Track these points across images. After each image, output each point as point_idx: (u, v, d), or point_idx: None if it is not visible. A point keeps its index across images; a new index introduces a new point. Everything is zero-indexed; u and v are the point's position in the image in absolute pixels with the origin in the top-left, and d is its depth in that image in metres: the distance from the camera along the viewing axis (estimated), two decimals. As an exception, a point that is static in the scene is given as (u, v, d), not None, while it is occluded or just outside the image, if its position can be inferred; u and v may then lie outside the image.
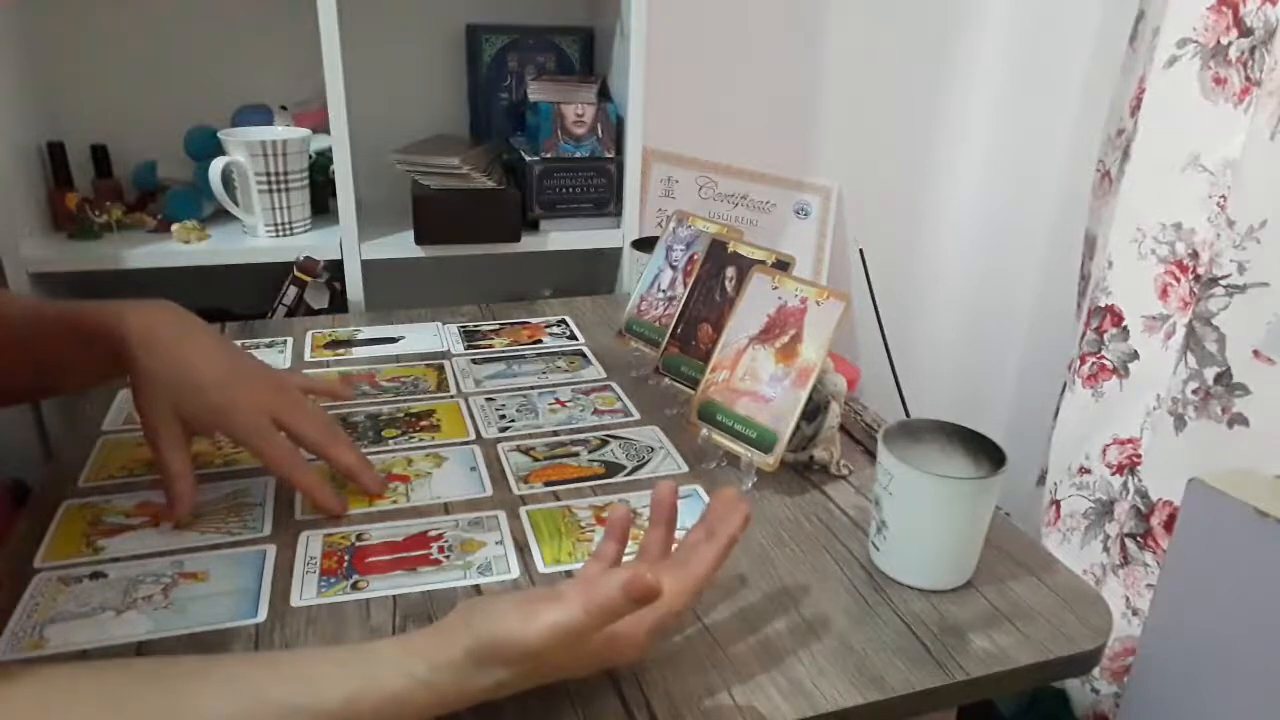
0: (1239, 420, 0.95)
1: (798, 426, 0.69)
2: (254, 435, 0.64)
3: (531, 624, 0.44)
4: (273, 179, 1.09)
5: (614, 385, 0.89)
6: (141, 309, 0.64)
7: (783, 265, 0.77)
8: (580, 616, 0.44)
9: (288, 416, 0.65)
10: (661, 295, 0.91)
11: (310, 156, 1.15)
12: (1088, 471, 1.15)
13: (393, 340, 0.99)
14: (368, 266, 1.12)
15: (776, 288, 0.73)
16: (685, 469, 0.74)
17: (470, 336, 1.01)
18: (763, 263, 0.78)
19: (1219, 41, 0.96)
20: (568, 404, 0.85)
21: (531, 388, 0.88)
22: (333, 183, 1.09)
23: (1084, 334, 1.14)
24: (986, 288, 1.61)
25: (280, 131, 1.13)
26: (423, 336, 1.00)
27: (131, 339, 0.62)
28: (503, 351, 0.97)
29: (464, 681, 0.44)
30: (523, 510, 0.68)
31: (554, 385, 0.89)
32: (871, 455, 0.77)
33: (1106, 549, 1.12)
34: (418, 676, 0.44)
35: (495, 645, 0.44)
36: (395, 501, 0.68)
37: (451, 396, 0.86)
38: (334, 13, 1.00)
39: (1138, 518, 1.05)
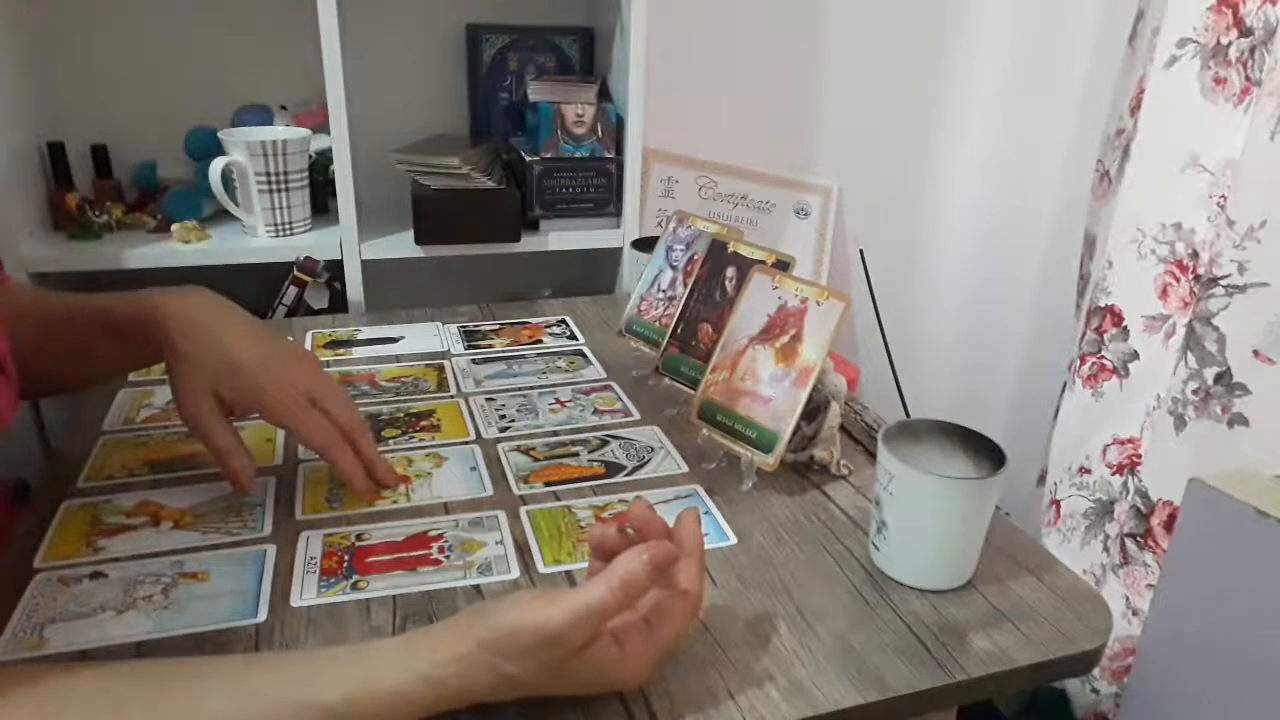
0: (1239, 420, 0.95)
1: (798, 426, 0.69)
2: (292, 415, 0.65)
3: (554, 607, 0.44)
4: (273, 179, 1.09)
5: (614, 385, 0.89)
6: (176, 296, 0.65)
7: (783, 265, 0.77)
8: (604, 594, 0.45)
9: (322, 397, 0.66)
10: (661, 295, 0.91)
11: (310, 156, 1.15)
12: (1088, 471, 1.15)
13: (393, 340, 0.99)
14: (368, 266, 1.12)
15: (776, 288, 0.73)
16: (685, 469, 0.74)
17: (470, 336, 1.01)
18: (763, 263, 0.78)
19: (1219, 41, 0.96)
20: (568, 404, 0.85)
21: (531, 388, 0.88)
22: (333, 183, 1.09)
23: (1084, 334, 1.14)
24: (986, 288, 1.61)
25: (280, 131, 1.13)
26: (423, 336, 1.00)
27: (170, 327, 0.63)
28: (503, 351, 0.97)
29: (469, 676, 0.44)
30: (523, 510, 0.68)
31: (554, 385, 0.89)
32: (871, 455, 0.77)
33: (1106, 549, 1.12)
34: (420, 673, 0.44)
35: (515, 632, 0.44)
36: (395, 501, 0.68)
37: (451, 396, 0.86)
38: (334, 12, 1.00)
39: (1138, 518, 1.05)
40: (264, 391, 0.64)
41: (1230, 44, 0.95)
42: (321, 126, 1.12)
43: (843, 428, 0.78)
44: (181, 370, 0.63)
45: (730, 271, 0.82)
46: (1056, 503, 1.20)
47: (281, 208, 1.11)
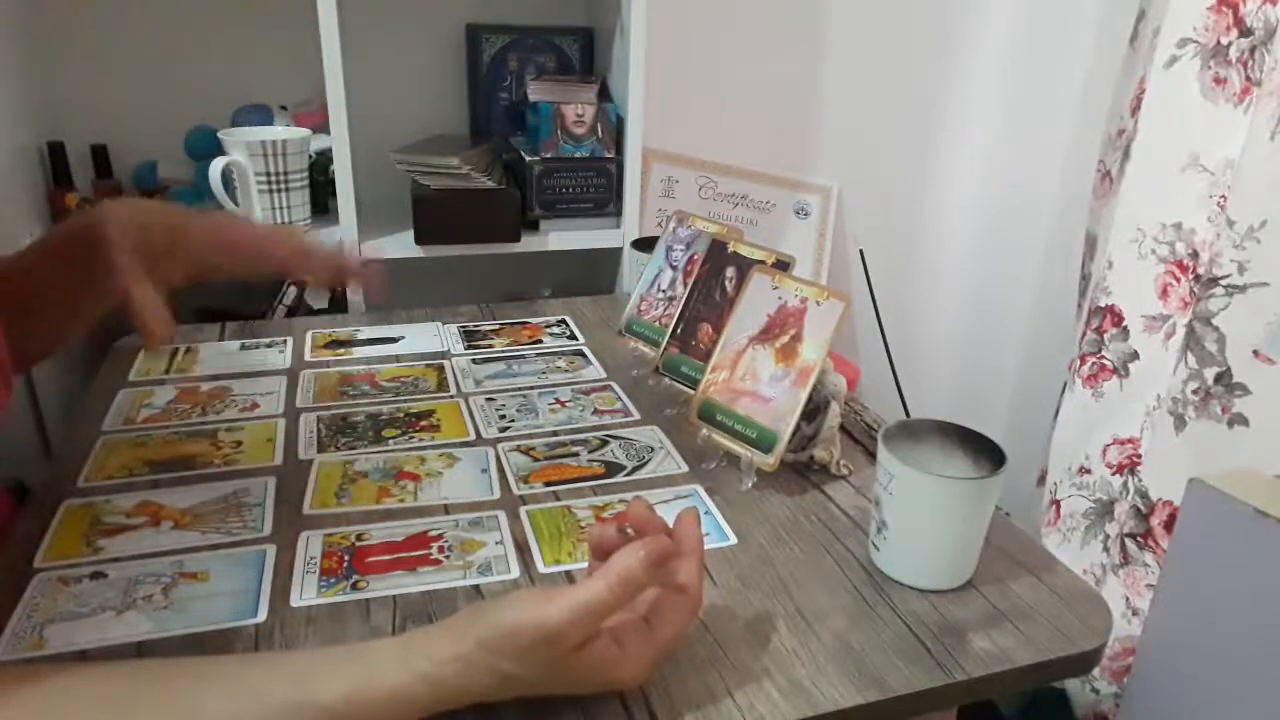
0: (1239, 420, 0.95)
1: (798, 426, 0.69)
2: (256, 235, 0.66)
3: (552, 604, 0.44)
4: (273, 179, 1.09)
5: (614, 385, 0.89)
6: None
7: (783, 265, 0.77)
8: (602, 591, 0.45)
9: (241, 223, 0.67)
10: (661, 295, 0.91)
11: (310, 156, 1.15)
12: (1088, 471, 1.15)
13: (393, 340, 0.99)
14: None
15: (776, 288, 0.73)
16: (685, 469, 0.74)
17: (470, 336, 1.01)
18: (763, 263, 0.78)
19: (1219, 41, 0.96)
20: (568, 404, 0.85)
21: (531, 388, 0.88)
22: (333, 183, 1.09)
23: (1084, 334, 1.14)
24: (987, 288, 1.61)
25: (280, 131, 1.13)
26: (423, 336, 1.00)
27: (93, 213, 0.63)
28: (503, 351, 0.97)
29: (467, 676, 0.44)
30: (523, 510, 0.68)
31: (554, 385, 0.89)
32: (871, 455, 0.77)
33: (1106, 549, 1.12)
34: (419, 672, 0.44)
35: (514, 631, 0.44)
36: (402, 500, 0.68)
37: (451, 396, 0.86)
38: (334, 13, 1.00)
39: (1138, 518, 1.05)
40: (183, 228, 0.64)
41: (1230, 44, 0.95)
42: (321, 126, 1.12)
43: (843, 428, 0.78)
44: (106, 231, 0.62)
45: (730, 271, 0.82)
46: (1056, 503, 1.20)
47: (281, 208, 1.11)
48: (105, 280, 0.65)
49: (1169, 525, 1.02)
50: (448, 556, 0.62)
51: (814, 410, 0.72)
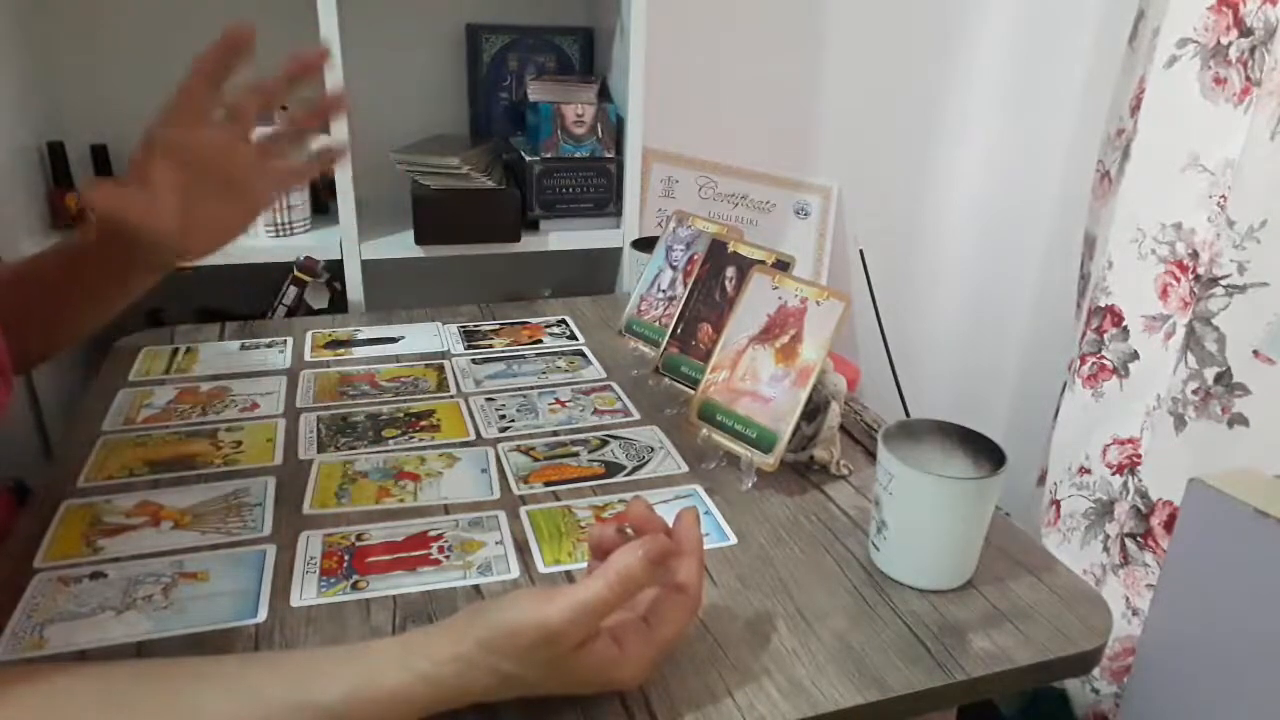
0: (1239, 420, 0.95)
1: (798, 426, 0.69)
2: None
3: (552, 604, 0.44)
4: (273, 179, 1.09)
5: (614, 385, 0.89)
6: None
7: (783, 265, 0.77)
8: (601, 589, 0.45)
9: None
10: (661, 295, 0.91)
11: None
12: (1088, 471, 1.15)
13: (393, 340, 0.99)
14: (368, 266, 1.12)
15: (776, 288, 0.73)
16: (685, 469, 0.74)
17: (470, 336, 1.01)
18: (763, 263, 0.78)
19: (1219, 41, 0.96)
20: (568, 404, 0.85)
21: (531, 388, 0.88)
22: (333, 183, 1.09)
23: (1084, 334, 1.14)
24: (986, 288, 1.61)
25: (280, 131, 1.13)
26: (423, 336, 1.00)
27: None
28: (503, 351, 0.97)
29: (467, 676, 0.44)
30: (523, 510, 0.68)
31: (554, 385, 0.89)
32: (871, 455, 0.77)
33: (1106, 549, 1.12)
34: (419, 672, 0.44)
35: (514, 631, 0.44)
36: (402, 500, 0.68)
37: (451, 396, 0.86)
38: (334, 13, 1.00)
39: (1138, 518, 1.05)
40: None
41: (1230, 44, 0.95)
42: (321, 126, 1.12)
43: (843, 428, 0.78)
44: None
45: (730, 271, 0.82)
46: (1056, 503, 1.20)
47: (281, 208, 1.11)
48: (115, 279, 0.65)
49: (1169, 525, 1.02)
50: (448, 556, 0.62)
51: (814, 410, 0.72)
